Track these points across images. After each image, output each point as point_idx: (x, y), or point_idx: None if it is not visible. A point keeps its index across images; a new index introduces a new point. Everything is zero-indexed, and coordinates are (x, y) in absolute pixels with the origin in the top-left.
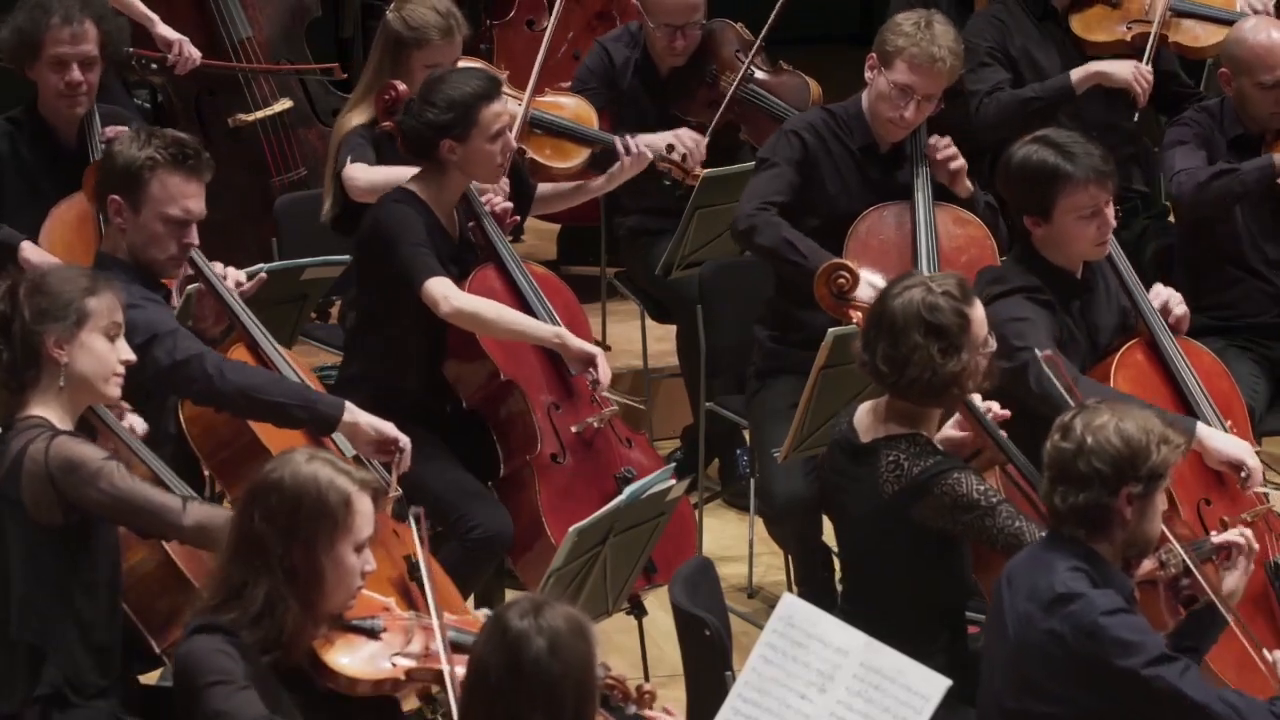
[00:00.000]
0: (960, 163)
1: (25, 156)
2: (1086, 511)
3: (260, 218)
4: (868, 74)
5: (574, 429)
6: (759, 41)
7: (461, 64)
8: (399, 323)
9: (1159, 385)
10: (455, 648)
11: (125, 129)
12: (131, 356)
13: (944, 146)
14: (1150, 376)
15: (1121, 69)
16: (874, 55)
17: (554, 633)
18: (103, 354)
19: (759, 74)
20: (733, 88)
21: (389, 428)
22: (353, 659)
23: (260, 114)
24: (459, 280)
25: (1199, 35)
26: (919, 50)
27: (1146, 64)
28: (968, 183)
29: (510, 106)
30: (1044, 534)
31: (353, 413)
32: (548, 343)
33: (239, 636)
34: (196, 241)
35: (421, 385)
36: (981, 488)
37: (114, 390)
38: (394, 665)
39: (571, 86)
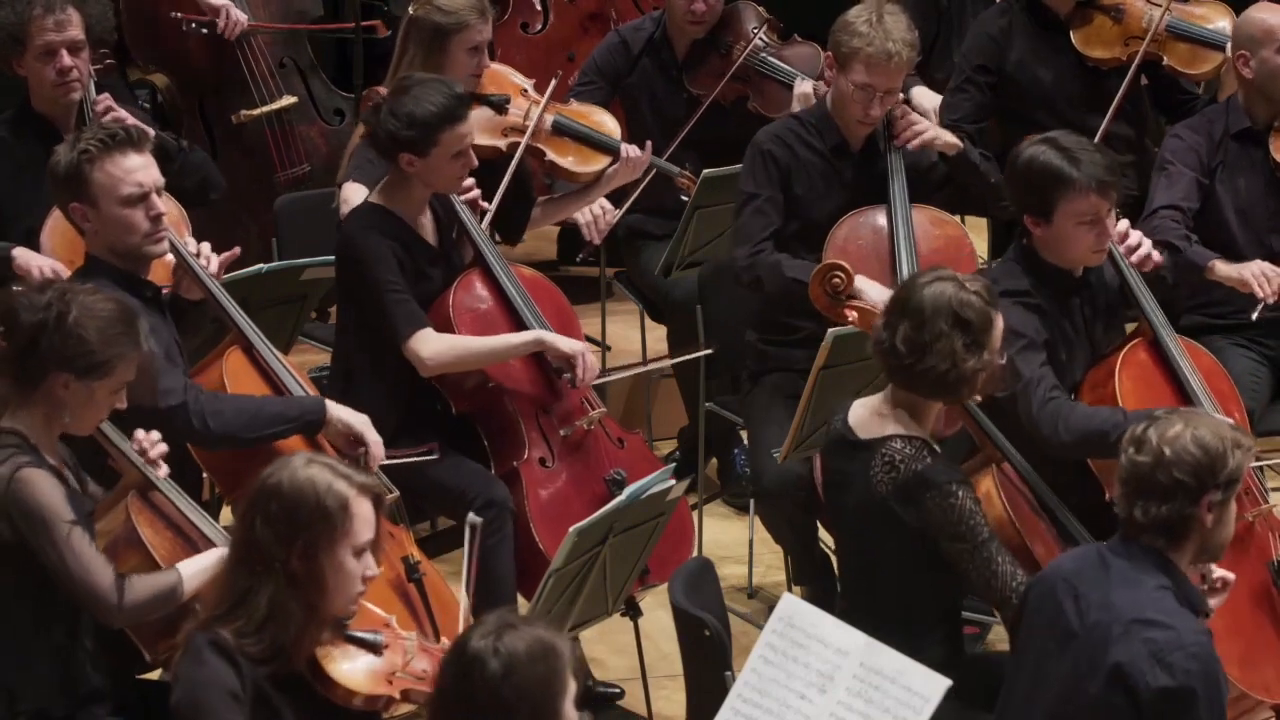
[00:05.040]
0: (928, 134)
1: (23, 155)
2: (1169, 523)
3: (263, 213)
4: (827, 74)
5: (562, 432)
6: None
7: (494, 67)
8: (381, 335)
9: (1162, 384)
10: None
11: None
12: (123, 404)
13: (905, 129)
14: (1154, 375)
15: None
16: (830, 56)
17: (511, 656)
18: (101, 407)
19: (770, 45)
20: (742, 55)
21: (357, 423)
22: (353, 671)
23: (264, 109)
24: (443, 285)
25: (1193, 59)
26: (874, 49)
27: (1129, 78)
28: (950, 138)
29: (531, 112)
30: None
31: (330, 410)
32: (531, 350)
33: (240, 652)
34: (163, 209)
35: (411, 390)
36: (973, 520)
37: (93, 428)
38: (390, 683)
39: (576, 83)
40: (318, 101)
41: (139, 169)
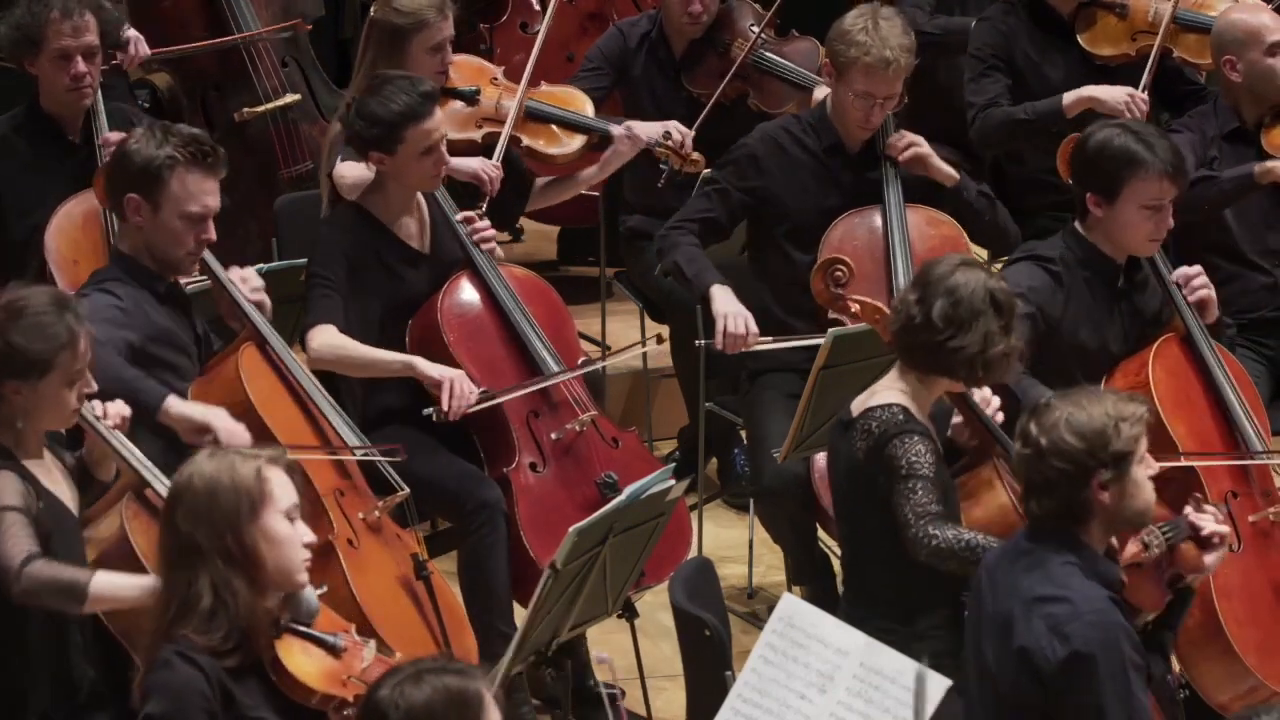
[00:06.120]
0: (920, 150)
1: (31, 154)
2: (1063, 511)
3: (265, 211)
4: (825, 79)
5: (553, 436)
6: (772, 10)
7: (460, 59)
8: (366, 338)
9: (1193, 380)
10: None
11: (121, 136)
12: (94, 388)
13: (900, 145)
14: (1186, 370)
15: (1114, 94)
16: (828, 63)
17: (410, 709)
18: (60, 401)
19: (770, 42)
20: (744, 54)
21: (198, 413)
22: (311, 668)
23: (268, 106)
24: (430, 288)
25: (1203, 49)
26: (872, 58)
27: (1148, 75)
28: (947, 169)
29: (504, 103)
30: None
31: (170, 403)
32: (400, 373)
33: (204, 650)
34: (214, 236)
35: (401, 393)
36: (915, 457)
37: (73, 421)
38: (345, 685)
39: (580, 69)
40: (319, 101)
41: (210, 193)
